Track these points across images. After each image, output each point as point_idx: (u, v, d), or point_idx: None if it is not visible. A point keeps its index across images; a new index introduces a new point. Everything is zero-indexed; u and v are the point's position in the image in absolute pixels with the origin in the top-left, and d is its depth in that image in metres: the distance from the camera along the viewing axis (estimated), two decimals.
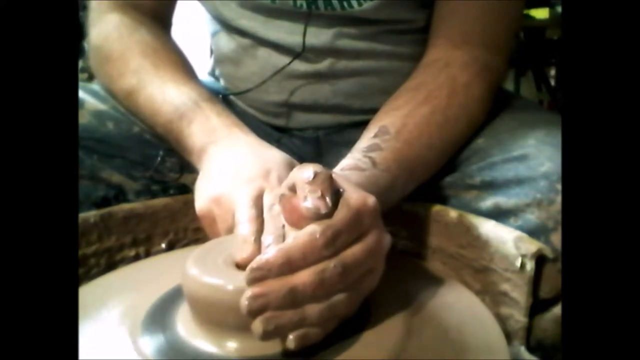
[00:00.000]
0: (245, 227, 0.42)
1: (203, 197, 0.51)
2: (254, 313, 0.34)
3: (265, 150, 0.55)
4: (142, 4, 0.70)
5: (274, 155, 0.54)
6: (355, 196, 0.39)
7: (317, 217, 0.37)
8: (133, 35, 0.66)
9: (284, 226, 0.40)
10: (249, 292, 0.34)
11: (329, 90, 0.72)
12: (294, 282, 0.35)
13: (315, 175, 0.39)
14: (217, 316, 0.38)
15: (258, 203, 0.45)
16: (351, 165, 0.50)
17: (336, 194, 0.39)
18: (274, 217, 0.41)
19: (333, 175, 0.41)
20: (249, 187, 0.47)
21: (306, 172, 0.39)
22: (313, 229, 0.36)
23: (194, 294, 0.39)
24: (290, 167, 0.52)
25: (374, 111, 0.61)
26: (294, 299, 0.35)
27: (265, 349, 0.37)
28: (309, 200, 0.37)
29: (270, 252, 0.36)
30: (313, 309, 0.36)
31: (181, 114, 0.58)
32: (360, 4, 0.65)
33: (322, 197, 0.38)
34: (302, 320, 0.35)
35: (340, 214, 0.37)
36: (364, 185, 0.44)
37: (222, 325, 0.38)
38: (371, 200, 0.39)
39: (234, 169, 0.51)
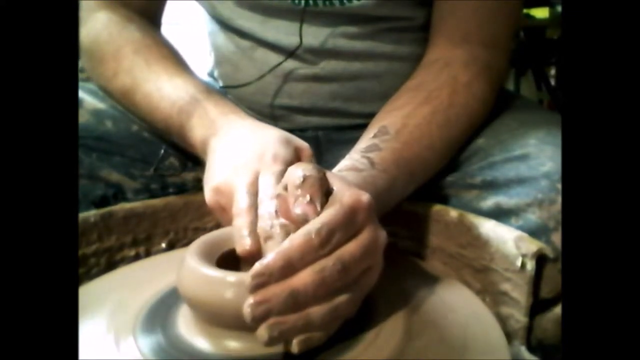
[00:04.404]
0: (241, 219, 0.42)
1: (207, 189, 0.51)
2: (257, 320, 0.34)
3: (261, 130, 0.54)
4: (132, 2, 0.69)
5: (270, 134, 0.53)
6: (348, 194, 0.39)
7: (307, 222, 0.37)
8: (123, 33, 0.65)
9: (277, 212, 0.40)
10: (251, 299, 0.34)
11: (327, 93, 0.71)
12: (295, 284, 0.35)
13: (305, 178, 0.39)
14: (216, 316, 0.38)
15: (253, 189, 0.45)
16: (348, 166, 0.50)
17: (327, 195, 0.39)
18: (268, 202, 0.41)
19: (327, 175, 0.41)
20: (244, 174, 0.47)
21: (296, 174, 0.40)
22: (308, 229, 0.36)
23: (190, 294, 0.39)
24: (286, 143, 0.51)
25: (373, 115, 0.60)
26: (296, 301, 0.35)
27: (266, 349, 0.37)
28: (298, 206, 0.38)
29: (269, 256, 0.35)
30: (316, 312, 0.35)
31: (179, 108, 0.58)
32: None
33: (312, 201, 0.38)
34: (306, 324, 0.35)
35: (333, 212, 0.37)
36: (361, 186, 0.44)
37: (222, 325, 0.38)
38: (365, 197, 0.39)
39: (230, 156, 0.51)
